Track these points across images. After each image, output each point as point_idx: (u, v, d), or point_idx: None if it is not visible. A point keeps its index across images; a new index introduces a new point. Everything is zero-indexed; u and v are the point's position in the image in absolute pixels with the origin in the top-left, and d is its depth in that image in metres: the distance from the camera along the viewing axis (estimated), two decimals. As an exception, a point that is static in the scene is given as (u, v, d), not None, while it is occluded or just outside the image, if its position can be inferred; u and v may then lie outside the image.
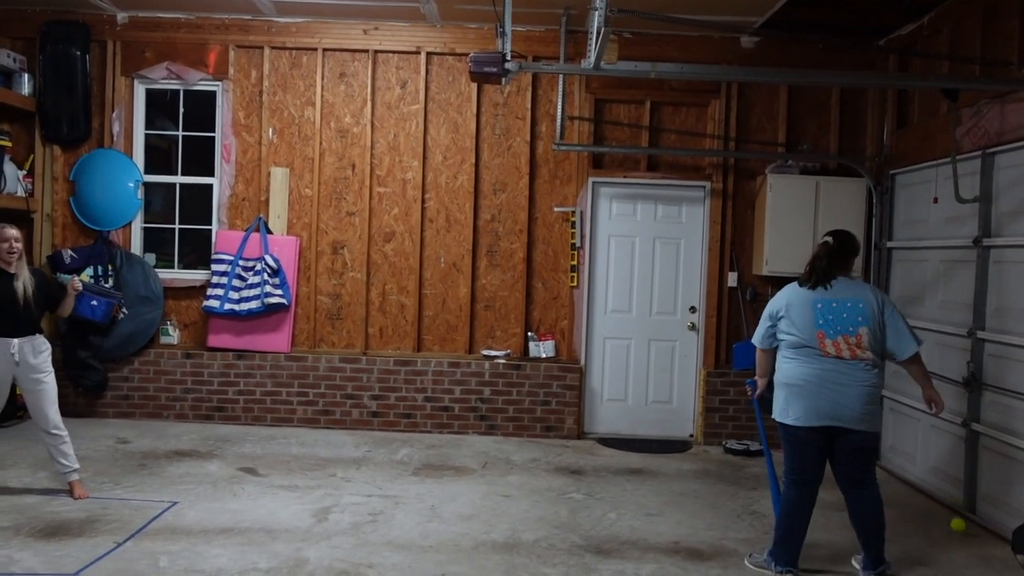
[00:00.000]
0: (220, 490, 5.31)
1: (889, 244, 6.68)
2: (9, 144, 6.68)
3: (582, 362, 7.19)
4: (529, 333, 7.22)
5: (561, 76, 6.79)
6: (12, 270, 4.90)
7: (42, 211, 7.13)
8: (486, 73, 5.07)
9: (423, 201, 7.20)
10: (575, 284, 7.20)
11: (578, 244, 7.15)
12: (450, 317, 7.25)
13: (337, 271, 7.24)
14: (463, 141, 7.18)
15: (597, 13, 4.39)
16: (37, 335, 4.98)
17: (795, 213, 6.75)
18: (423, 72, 7.14)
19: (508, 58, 5.06)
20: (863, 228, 6.79)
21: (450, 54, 7.15)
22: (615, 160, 7.22)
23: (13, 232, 4.91)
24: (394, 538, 4.56)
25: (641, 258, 7.25)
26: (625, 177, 7.15)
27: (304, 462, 6.05)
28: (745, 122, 7.12)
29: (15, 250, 4.88)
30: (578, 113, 7.10)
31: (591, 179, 7.16)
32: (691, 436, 7.24)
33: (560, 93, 6.82)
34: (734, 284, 7.09)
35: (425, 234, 7.22)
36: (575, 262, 7.18)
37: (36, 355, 4.94)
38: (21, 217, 6.97)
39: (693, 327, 7.22)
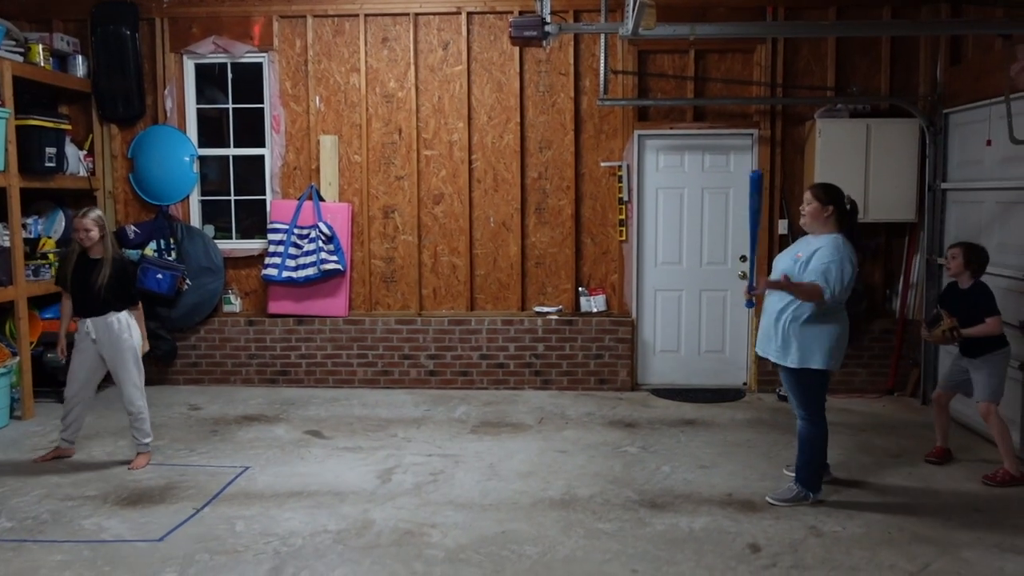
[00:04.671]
0: (288, 454, 5.56)
1: (944, 186, 6.56)
2: (69, 127, 6.91)
3: (634, 315, 7.26)
4: (580, 288, 7.31)
5: (602, 33, 6.73)
6: (92, 255, 5.16)
7: (104, 189, 7.39)
8: (526, 37, 5.11)
9: (470, 162, 7.26)
10: (624, 238, 7.24)
11: (626, 198, 7.17)
12: (501, 276, 7.36)
13: (389, 235, 7.38)
14: (507, 100, 7.20)
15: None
16: (110, 314, 5.19)
17: (846, 158, 6.67)
18: (464, 32, 7.14)
19: (548, 20, 5.07)
20: (916, 170, 6.69)
21: (491, 12, 7.13)
22: (661, 112, 7.17)
23: (84, 221, 5.12)
24: (455, 497, 4.75)
25: (690, 209, 7.25)
26: (671, 129, 7.11)
27: (367, 423, 6.27)
28: (792, 66, 6.99)
29: (88, 238, 5.11)
30: (621, 66, 7.05)
31: (637, 132, 7.13)
32: (744, 384, 7.30)
33: (603, 48, 6.77)
34: (784, 232, 7.05)
35: (474, 195, 7.30)
36: (623, 216, 7.20)
37: (109, 333, 5.18)
38: (85, 195, 7.24)
39: (744, 276, 7.22)
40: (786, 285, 4.39)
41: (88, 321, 5.18)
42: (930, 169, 6.67)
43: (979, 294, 5.02)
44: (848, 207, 4.60)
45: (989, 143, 5.82)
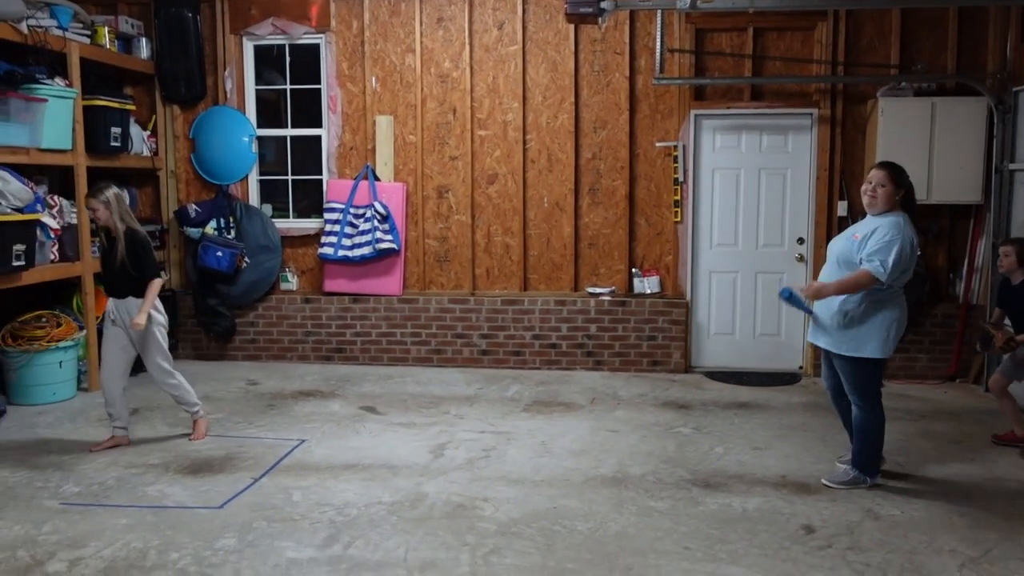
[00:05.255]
0: (343, 428, 5.65)
1: (1012, 166, 6.35)
2: (133, 107, 7.08)
3: (688, 297, 7.20)
4: (633, 269, 7.26)
5: (659, 8, 6.65)
6: (112, 235, 5.05)
7: (167, 168, 7.56)
8: (582, 14, 5.07)
9: (524, 142, 7.25)
10: (679, 219, 7.17)
11: (681, 179, 7.10)
12: (555, 256, 7.36)
13: (443, 215, 7.42)
14: (562, 80, 7.16)
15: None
16: (129, 298, 5.09)
17: (909, 138, 6.50)
18: (520, 12, 7.12)
19: (604, -4, 5.03)
20: (983, 150, 6.49)
21: (546, -9, 7.11)
22: (718, 91, 7.07)
23: (89, 201, 4.98)
24: (507, 473, 4.78)
25: (746, 190, 7.14)
26: (728, 108, 7.01)
27: (420, 400, 6.34)
28: (855, 44, 6.83)
29: (97, 218, 5.01)
30: (678, 45, 6.96)
31: (693, 112, 7.04)
32: (800, 368, 7.19)
33: (659, 26, 6.70)
34: (844, 214, 6.91)
35: (527, 175, 7.29)
36: (678, 197, 7.14)
37: (129, 317, 5.08)
38: (148, 175, 7.43)
39: (801, 258, 7.11)
40: (832, 291, 4.35)
41: (111, 301, 5.14)
42: (997, 149, 6.47)
43: None
44: None
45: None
